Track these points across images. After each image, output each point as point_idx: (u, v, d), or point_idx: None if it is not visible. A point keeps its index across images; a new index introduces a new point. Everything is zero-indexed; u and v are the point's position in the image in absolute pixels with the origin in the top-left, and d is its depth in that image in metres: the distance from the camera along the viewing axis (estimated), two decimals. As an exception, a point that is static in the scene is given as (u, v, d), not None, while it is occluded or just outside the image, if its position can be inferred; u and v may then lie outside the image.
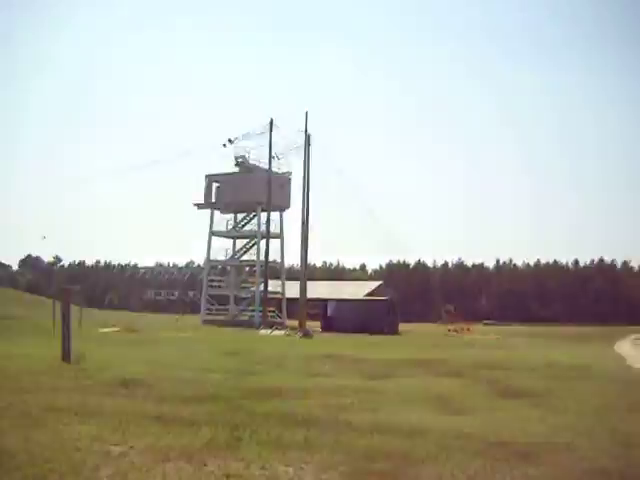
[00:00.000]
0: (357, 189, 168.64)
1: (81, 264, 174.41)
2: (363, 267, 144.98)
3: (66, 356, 20.47)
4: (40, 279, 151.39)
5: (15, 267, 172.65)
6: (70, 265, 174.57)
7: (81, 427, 10.64)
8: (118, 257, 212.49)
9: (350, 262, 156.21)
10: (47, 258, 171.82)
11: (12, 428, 10.35)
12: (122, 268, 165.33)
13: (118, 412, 12.03)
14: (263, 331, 51.63)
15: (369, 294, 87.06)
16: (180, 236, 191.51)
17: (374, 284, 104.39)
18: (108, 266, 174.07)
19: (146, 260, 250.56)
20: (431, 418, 12.61)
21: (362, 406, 13.95)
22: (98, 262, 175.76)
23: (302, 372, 20.65)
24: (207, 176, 71.25)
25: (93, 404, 12.87)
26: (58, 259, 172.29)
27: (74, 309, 55.63)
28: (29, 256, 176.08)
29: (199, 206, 71.92)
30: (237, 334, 45.23)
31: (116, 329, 44.16)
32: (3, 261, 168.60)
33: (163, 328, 49.28)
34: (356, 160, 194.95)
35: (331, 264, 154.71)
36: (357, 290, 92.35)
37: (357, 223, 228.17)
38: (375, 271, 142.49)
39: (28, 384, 15.35)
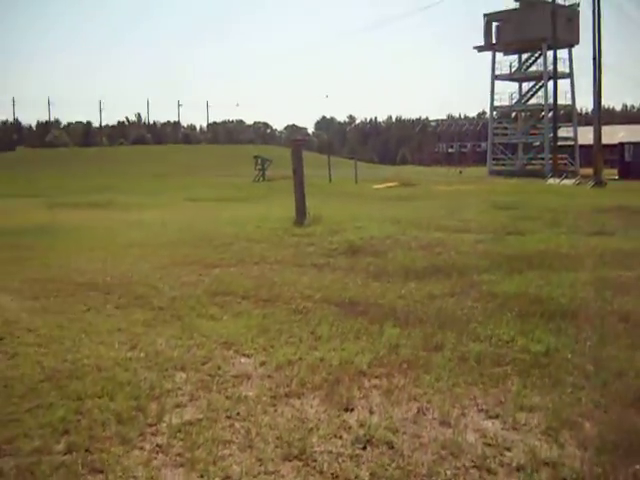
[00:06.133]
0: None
1: (373, 121, 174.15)
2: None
3: (299, 218, 17.78)
4: (334, 139, 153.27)
5: (311, 129, 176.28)
6: (362, 123, 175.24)
7: (228, 322, 7.65)
8: (410, 112, 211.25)
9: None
10: (341, 118, 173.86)
11: (140, 324, 7.58)
12: (413, 123, 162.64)
13: (304, 296, 9.01)
14: (551, 180, 46.55)
15: (678, 135, 77.23)
16: (466, 84, 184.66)
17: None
18: (400, 121, 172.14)
19: (437, 113, 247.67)
20: None
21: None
22: (390, 118, 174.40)
23: (580, 230, 16.25)
24: (485, 15, 64.82)
25: (283, 283, 9.94)
26: (351, 118, 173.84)
27: (347, 165, 54.42)
28: (323, 117, 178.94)
29: (479, 49, 66.10)
30: (520, 185, 40.51)
31: (392, 184, 41.38)
32: (299, 124, 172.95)
33: (444, 181, 45.77)
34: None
35: (632, 107, 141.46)
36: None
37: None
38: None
39: (234, 254, 12.82)
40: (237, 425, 4.79)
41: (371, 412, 5.01)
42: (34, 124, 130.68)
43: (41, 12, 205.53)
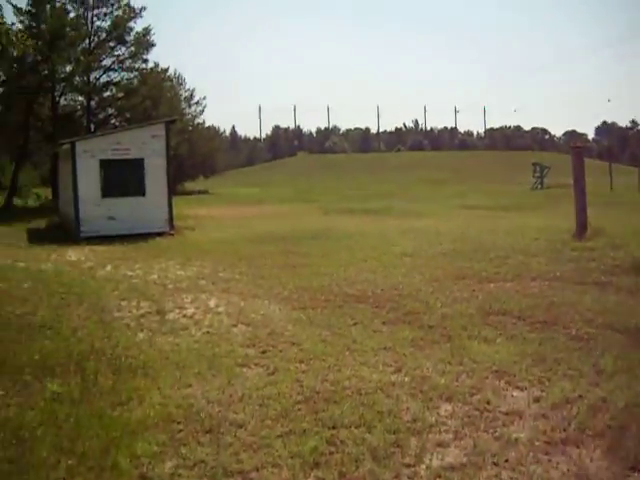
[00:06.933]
0: None
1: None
2: None
3: (579, 230, 16.59)
4: (615, 145, 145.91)
5: (591, 135, 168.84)
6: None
7: (501, 347, 7.07)
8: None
9: None
10: (623, 123, 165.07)
11: (408, 343, 7.16)
12: None
13: (585, 320, 8.28)
14: None
15: None
16: None
17: None
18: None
19: None
20: None
21: None
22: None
23: None
24: None
25: (562, 303, 9.21)
26: (634, 123, 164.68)
27: (629, 172, 50.76)
28: (604, 122, 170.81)
29: None
30: None
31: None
32: (578, 130, 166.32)
33: None
34: None
35: None
36: None
37: None
38: None
39: (510, 267, 12.21)
40: (504, 475, 4.22)
41: (666, 477, 4.23)
42: (314, 130, 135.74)
43: (320, 28, 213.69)
